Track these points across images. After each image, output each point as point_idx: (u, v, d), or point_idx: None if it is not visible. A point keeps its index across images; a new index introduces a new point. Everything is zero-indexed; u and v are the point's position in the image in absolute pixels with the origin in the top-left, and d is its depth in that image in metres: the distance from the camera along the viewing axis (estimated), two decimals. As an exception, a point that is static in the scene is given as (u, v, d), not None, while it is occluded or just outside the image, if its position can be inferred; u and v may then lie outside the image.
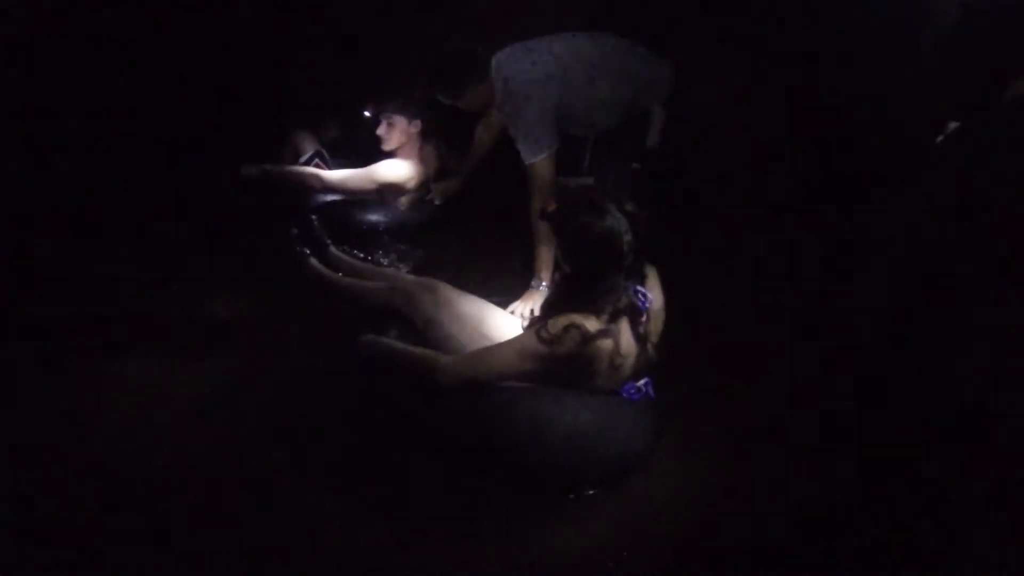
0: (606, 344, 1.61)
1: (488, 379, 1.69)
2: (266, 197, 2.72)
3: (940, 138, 1.71)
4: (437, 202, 2.84)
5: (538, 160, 2.22)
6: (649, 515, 1.66)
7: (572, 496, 1.69)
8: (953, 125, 1.69)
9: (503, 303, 2.20)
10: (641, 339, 1.68)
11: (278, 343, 2.16)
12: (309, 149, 2.90)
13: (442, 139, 2.93)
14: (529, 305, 2.22)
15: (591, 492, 1.70)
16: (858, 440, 1.72)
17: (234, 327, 2.24)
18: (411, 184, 2.81)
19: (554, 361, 1.61)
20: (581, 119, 2.34)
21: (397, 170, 2.78)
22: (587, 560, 1.57)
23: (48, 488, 1.62)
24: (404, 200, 2.82)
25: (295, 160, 2.90)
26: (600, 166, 2.45)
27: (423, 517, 1.62)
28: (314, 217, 2.51)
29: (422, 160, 2.85)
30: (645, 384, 1.77)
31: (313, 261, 2.38)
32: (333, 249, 2.49)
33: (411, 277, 2.23)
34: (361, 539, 1.54)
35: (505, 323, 1.97)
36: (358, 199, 2.83)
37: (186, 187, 2.78)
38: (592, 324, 1.60)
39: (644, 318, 1.68)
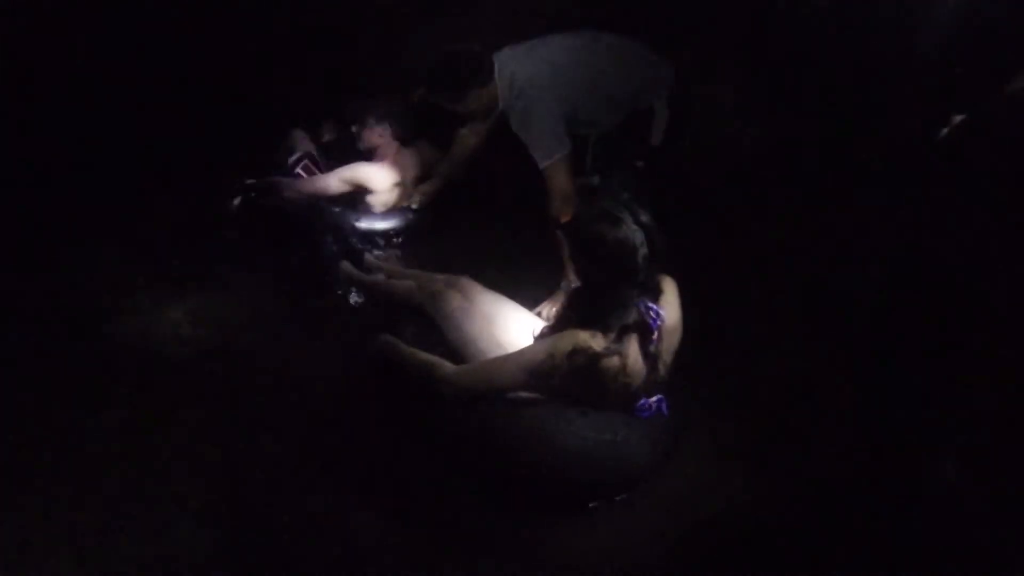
0: (612, 363, 1.59)
1: (490, 392, 1.71)
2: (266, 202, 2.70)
3: (943, 132, 1.63)
4: (414, 206, 2.78)
5: (553, 162, 2.15)
6: (656, 525, 1.65)
7: (576, 507, 1.69)
8: (956, 120, 1.61)
9: (532, 303, 2.20)
10: (651, 357, 1.64)
11: (285, 345, 2.18)
12: (301, 149, 2.86)
13: (425, 144, 2.88)
14: (556, 306, 2.21)
15: (594, 505, 1.70)
16: (863, 443, 1.69)
17: (241, 328, 2.25)
18: (382, 187, 2.75)
19: (558, 379, 1.60)
20: (584, 117, 2.24)
21: (366, 172, 2.73)
22: (594, 569, 1.58)
23: (50, 488, 1.64)
24: (377, 202, 2.78)
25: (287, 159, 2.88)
26: (604, 165, 2.35)
27: (431, 526, 1.65)
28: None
29: (397, 164, 2.79)
30: (658, 401, 1.73)
31: (345, 262, 2.47)
32: (368, 255, 2.56)
33: (440, 275, 2.26)
34: (369, 548, 1.57)
35: (522, 327, 1.95)
36: (342, 204, 2.79)
37: (187, 188, 2.77)
38: (598, 342, 1.57)
39: (655, 336, 1.63)
